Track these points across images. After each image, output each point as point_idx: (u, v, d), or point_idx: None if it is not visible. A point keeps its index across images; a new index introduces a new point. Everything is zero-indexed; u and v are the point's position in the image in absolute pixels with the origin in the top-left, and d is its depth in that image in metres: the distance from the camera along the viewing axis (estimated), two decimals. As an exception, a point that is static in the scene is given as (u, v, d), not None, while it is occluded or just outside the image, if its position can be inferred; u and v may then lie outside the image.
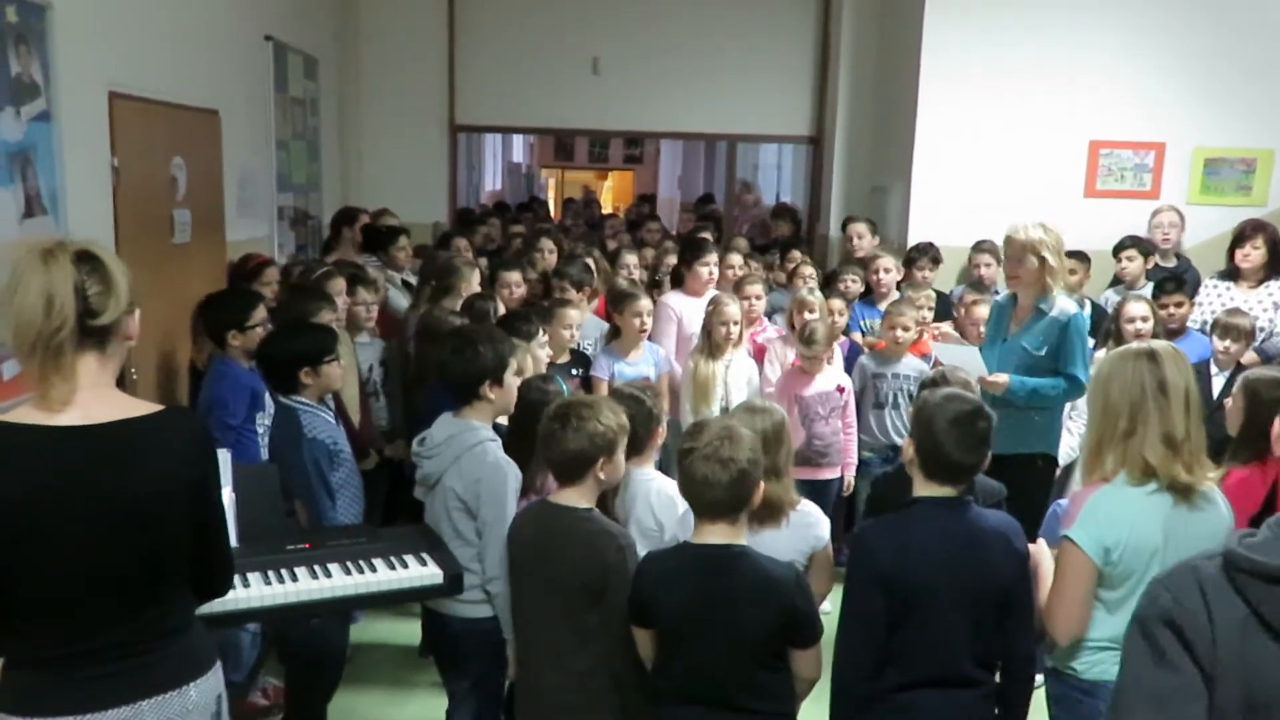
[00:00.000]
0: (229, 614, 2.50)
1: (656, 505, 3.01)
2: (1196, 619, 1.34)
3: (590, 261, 5.48)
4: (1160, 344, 2.49)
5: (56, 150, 3.48)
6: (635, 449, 3.01)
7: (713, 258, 5.25)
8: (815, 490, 4.27)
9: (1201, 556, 1.42)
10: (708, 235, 6.54)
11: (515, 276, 5.13)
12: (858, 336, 5.41)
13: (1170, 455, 2.33)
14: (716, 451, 2.32)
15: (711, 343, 4.60)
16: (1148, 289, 5.62)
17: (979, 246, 6.04)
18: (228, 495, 2.70)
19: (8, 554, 1.82)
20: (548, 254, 6.02)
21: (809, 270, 5.84)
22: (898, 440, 4.83)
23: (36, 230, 3.28)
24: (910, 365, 4.86)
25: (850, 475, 4.80)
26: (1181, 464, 2.33)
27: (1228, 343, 4.61)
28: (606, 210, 13.67)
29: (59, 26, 3.47)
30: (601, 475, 2.65)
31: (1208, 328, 4.97)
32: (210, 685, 2.01)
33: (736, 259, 5.72)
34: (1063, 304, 3.96)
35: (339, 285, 4.51)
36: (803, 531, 2.80)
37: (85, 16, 3.66)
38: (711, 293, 5.12)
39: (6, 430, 1.83)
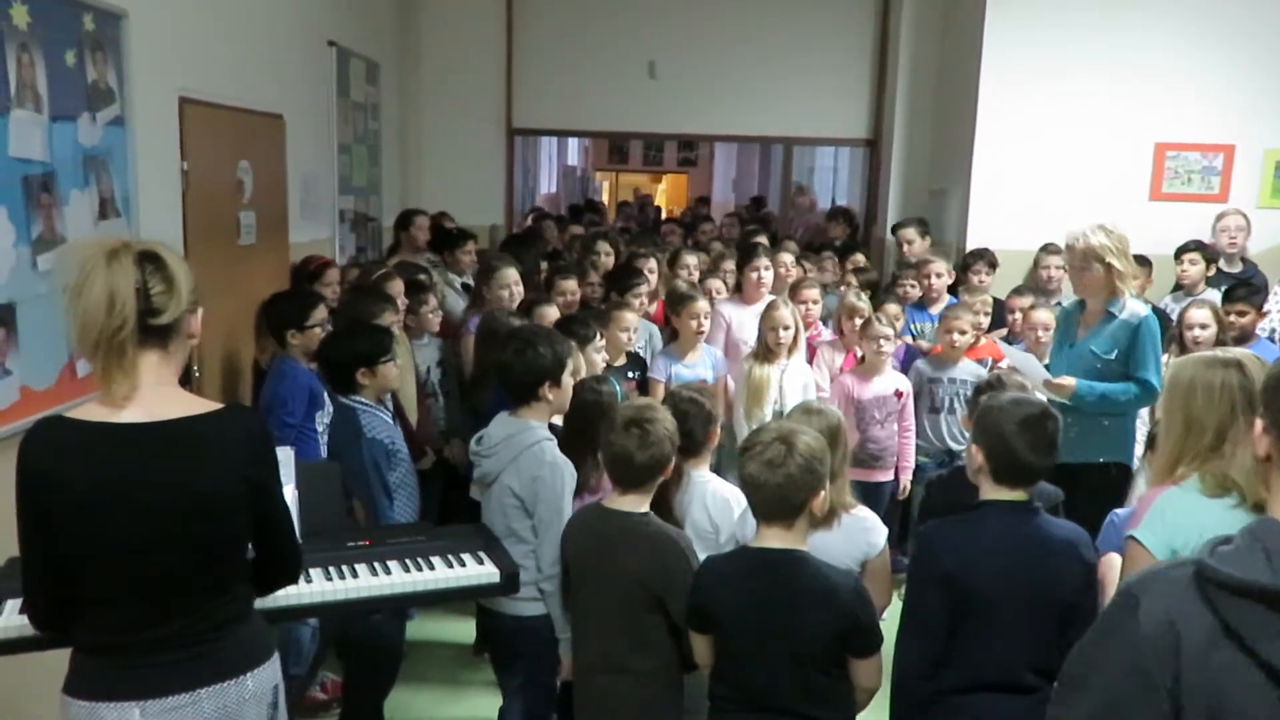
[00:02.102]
0: (291, 608, 2.55)
1: (712, 507, 3.02)
2: (1162, 627, 1.28)
3: (653, 264, 5.51)
4: (1243, 353, 2.39)
5: (129, 154, 3.58)
6: (693, 450, 3.03)
7: (762, 262, 5.24)
8: (867, 493, 4.24)
9: (1172, 564, 1.38)
10: (761, 240, 6.53)
11: (572, 284, 5.12)
12: (909, 339, 5.37)
13: (1260, 475, 2.26)
14: (765, 453, 2.32)
15: (764, 347, 4.59)
16: (1208, 294, 5.50)
17: (1046, 249, 5.93)
18: (290, 492, 2.75)
19: (71, 546, 1.89)
20: (604, 256, 6.05)
21: (851, 278, 5.84)
22: (952, 445, 4.79)
23: (110, 232, 3.38)
24: (966, 370, 4.81)
25: (906, 479, 4.76)
26: (1266, 484, 2.25)
27: (1295, 351, 4.48)
28: (664, 214, 13.67)
29: (133, 34, 3.57)
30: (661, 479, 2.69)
31: (1277, 335, 4.84)
32: (267, 676, 2.05)
33: (788, 258, 5.71)
34: (1133, 306, 3.86)
35: (398, 286, 4.57)
36: (856, 536, 2.78)
37: (158, 24, 3.76)
38: (767, 298, 5.13)
39: (70, 426, 1.89)
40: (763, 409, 4.49)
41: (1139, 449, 4.48)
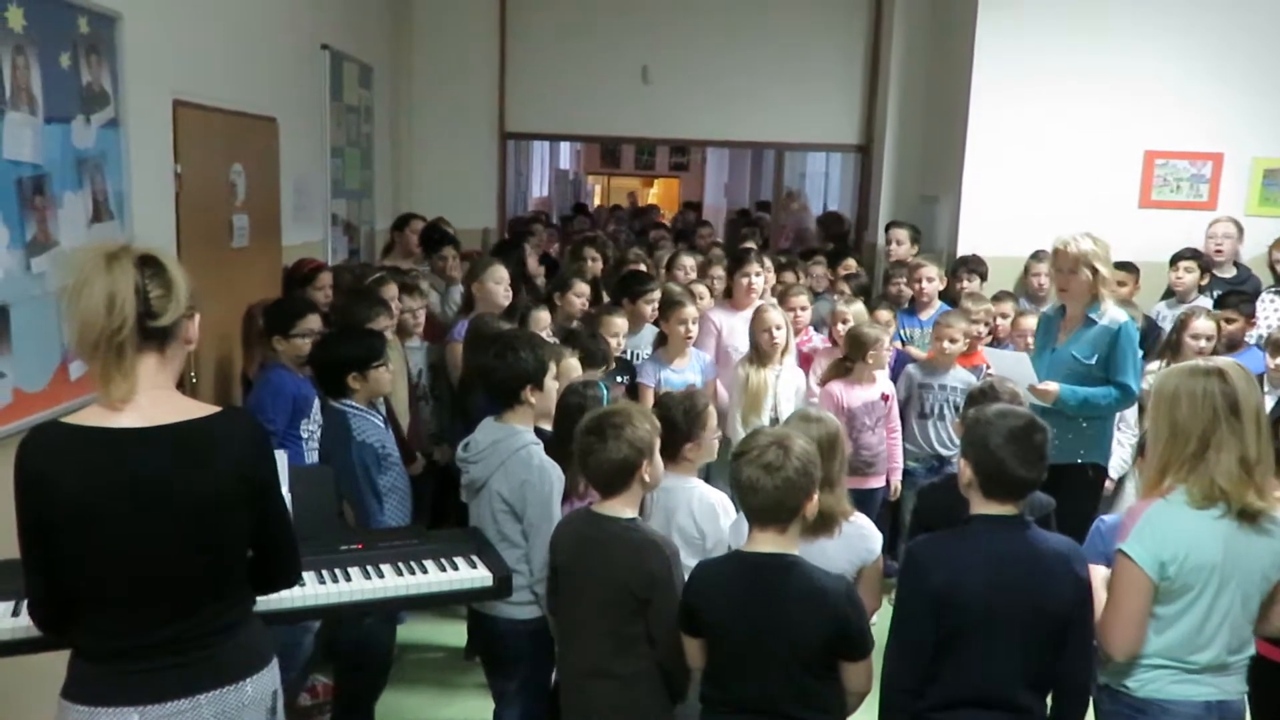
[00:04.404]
0: (284, 611, 2.55)
1: (699, 513, 3.03)
2: None
3: (642, 269, 5.52)
4: (1225, 360, 2.41)
5: (123, 156, 3.57)
6: (671, 455, 3.03)
7: (753, 268, 5.26)
8: (861, 499, 4.25)
9: None
10: (751, 245, 6.55)
11: (584, 287, 5.13)
12: (899, 345, 5.38)
13: (1244, 479, 2.27)
14: (762, 457, 2.33)
15: (759, 352, 4.60)
16: (1200, 301, 5.55)
17: (1037, 256, 5.98)
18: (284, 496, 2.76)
19: (70, 552, 1.89)
20: (591, 262, 6.08)
21: (843, 285, 5.86)
22: (941, 450, 4.82)
23: (103, 235, 3.37)
24: (957, 377, 4.83)
25: (896, 480, 4.78)
26: (1254, 488, 2.28)
27: (1279, 360, 4.51)
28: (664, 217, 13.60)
29: (127, 36, 3.56)
30: (646, 478, 2.67)
31: (1263, 342, 4.88)
32: (266, 681, 2.06)
33: (789, 276, 5.78)
34: (1113, 312, 3.95)
35: (392, 290, 4.58)
36: (854, 543, 2.80)
37: (152, 27, 3.76)
38: (758, 304, 5.15)
39: (69, 432, 1.89)
40: (760, 415, 4.49)
41: (1126, 453, 4.55)
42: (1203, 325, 4.67)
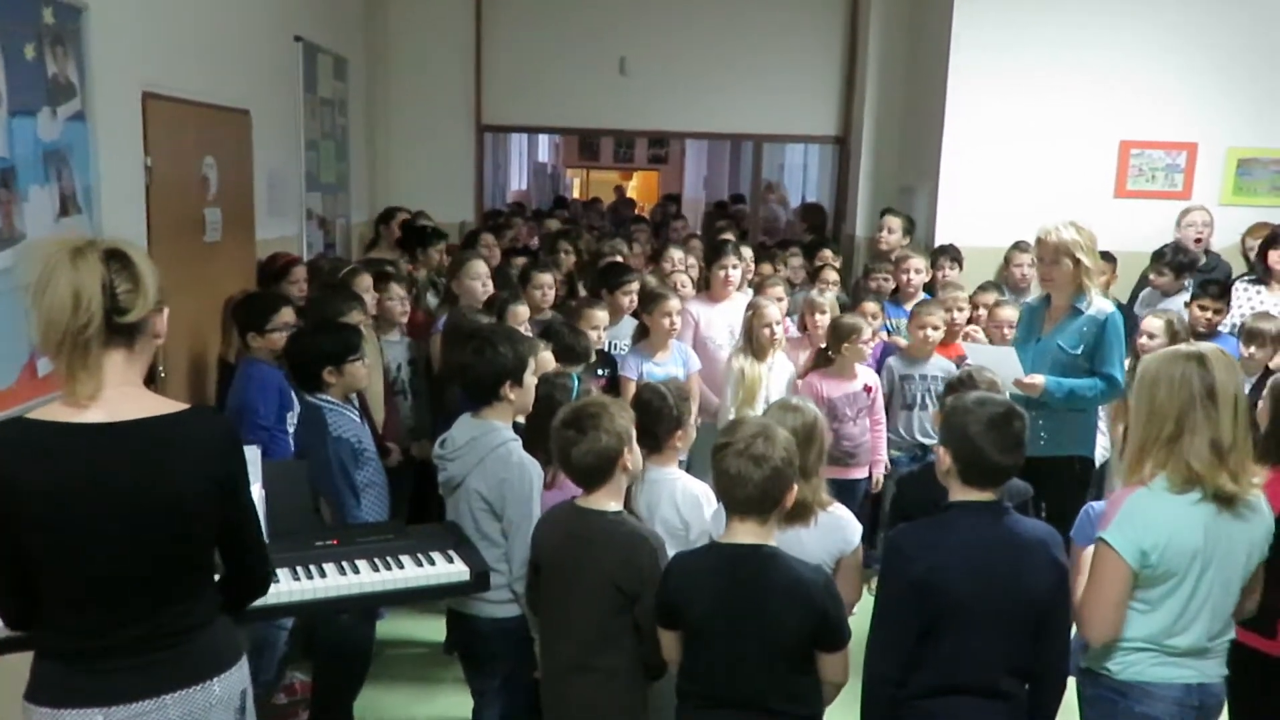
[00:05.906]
0: (258, 609, 2.50)
1: (682, 504, 3.02)
2: None
3: (619, 259, 5.51)
4: (1209, 347, 2.44)
5: (91, 150, 3.51)
6: (654, 447, 3.02)
7: (730, 260, 5.25)
8: (842, 490, 4.26)
9: None
10: (728, 237, 6.54)
11: (548, 278, 5.10)
12: (885, 336, 5.38)
13: (1216, 463, 2.30)
14: (750, 448, 2.31)
15: (756, 346, 4.61)
16: (1174, 301, 5.58)
17: (1017, 246, 5.99)
18: (257, 492, 2.72)
19: (35, 549, 1.85)
20: (565, 255, 6.05)
21: (833, 275, 5.83)
22: (924, 440, 4.83)
23: (71, 229, 3.32)
24: (938, 366, 4.84)
25: (879, 473, 4.79)
26: (1227, 472, 2.30)
27: (1253, 349, 4.54)
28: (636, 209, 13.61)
29: (94, 28, 3.50)
30: (629, 466, 2.66)
31: (1237, 330, 4.91)
32: (234, 680, 2.03)
33: (748, 252, 5.75)
34: (1100, 303, 3.92)
35: (365, 282, 4.54)
36: (832, 534, 2.79)
37: (120, 18, 3.70)
38: (734, 295, 5.18)
39: (33, 427, 1.86)
40: (754, 408, 4.49)
41: (1105, 440, 4.56)
42: (1151, 324, 4.61)
